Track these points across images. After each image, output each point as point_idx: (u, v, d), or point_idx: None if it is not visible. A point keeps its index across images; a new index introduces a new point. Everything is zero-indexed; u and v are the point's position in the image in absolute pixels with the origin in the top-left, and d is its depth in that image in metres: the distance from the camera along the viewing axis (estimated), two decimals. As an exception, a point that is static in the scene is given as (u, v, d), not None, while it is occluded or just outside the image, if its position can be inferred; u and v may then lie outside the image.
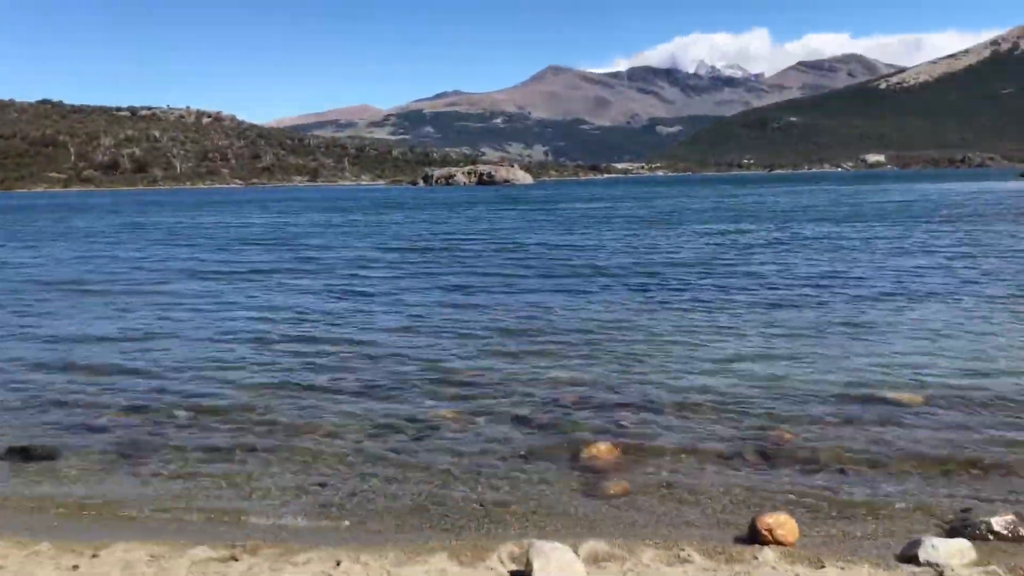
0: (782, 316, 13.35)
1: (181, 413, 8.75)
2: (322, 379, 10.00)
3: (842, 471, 6.76)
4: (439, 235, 34.08)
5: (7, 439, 7.93)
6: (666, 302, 15.03)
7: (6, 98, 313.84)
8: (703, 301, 15.02)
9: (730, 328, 12.45)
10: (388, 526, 6.00)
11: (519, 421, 8.24)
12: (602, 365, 10.28)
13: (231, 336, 12.87)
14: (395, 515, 6.18)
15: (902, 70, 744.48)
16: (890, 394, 8.78)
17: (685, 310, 14.15)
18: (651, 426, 7.96)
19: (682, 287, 16.97)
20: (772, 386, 9.19)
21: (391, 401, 9.03)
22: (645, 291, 16.52)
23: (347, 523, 6.08)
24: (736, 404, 8.55)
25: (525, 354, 11.00)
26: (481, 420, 8.28)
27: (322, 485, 6.78)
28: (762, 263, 21.06)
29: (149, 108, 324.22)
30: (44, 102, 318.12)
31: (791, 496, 6.28)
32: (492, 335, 12.31)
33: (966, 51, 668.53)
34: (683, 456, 7.17)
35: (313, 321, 14.04)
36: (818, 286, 16.73)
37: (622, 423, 8.07)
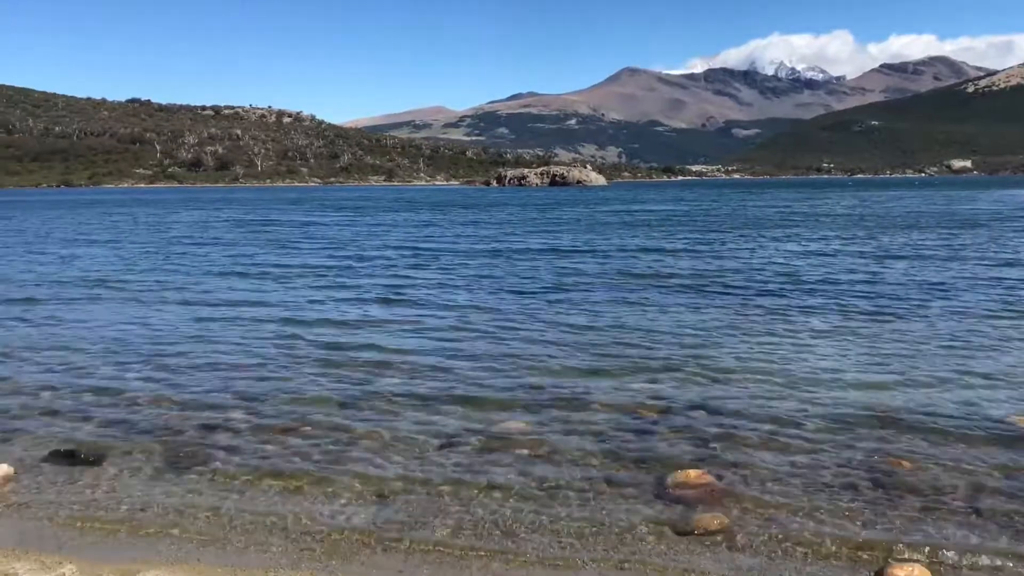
0: (882, 330, 12.27)
1: (237, 417, 8.26)
2: (386, 387, 9.40)
3: (976, 512, 5.84)
4: (504, 240, 33.37)
5: (58, 439, 7.55)
6: (753, 313, 14.04)
7: (98, 97, 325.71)
8: (793, 312, 13.97)
9: (826, 342, 11.43)
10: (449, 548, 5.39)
11: (597, 438, 7.48)
12: (687, 380, 9.42)
13: (291, 340, 12.42)
14: (457, 537, 5.54)
15: (991, 73, 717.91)
16: (1018, 420, 7.78)
17: (775, 321, 13.15)
18: (746, 450, 7.10)
19: (769, 296, 15.92)
20: (880, 407, 8.23)
21: (457, 413, 8.37)
22: (729, 301, 15.54)
23: (407, 542, 5.49)
24: (842, 427, 7.63)
25: (602, 366, 10.22)
26: (555, 437, 7.54)
27: (381, 497, 6.21)
28: (851, 272, 19.80)
29: (232, 107, 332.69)
30: (133, 101, 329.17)
31: (917, 538, 5.40)
32: (566, 345, 11.56)
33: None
34: (786, 485, 6.30)
35: (377, 325, 13.48)
36: (916, 298, 15.53)
37: (712, 445, 7.23)
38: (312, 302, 15.95)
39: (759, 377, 9.49)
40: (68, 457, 7.02)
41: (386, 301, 15.96)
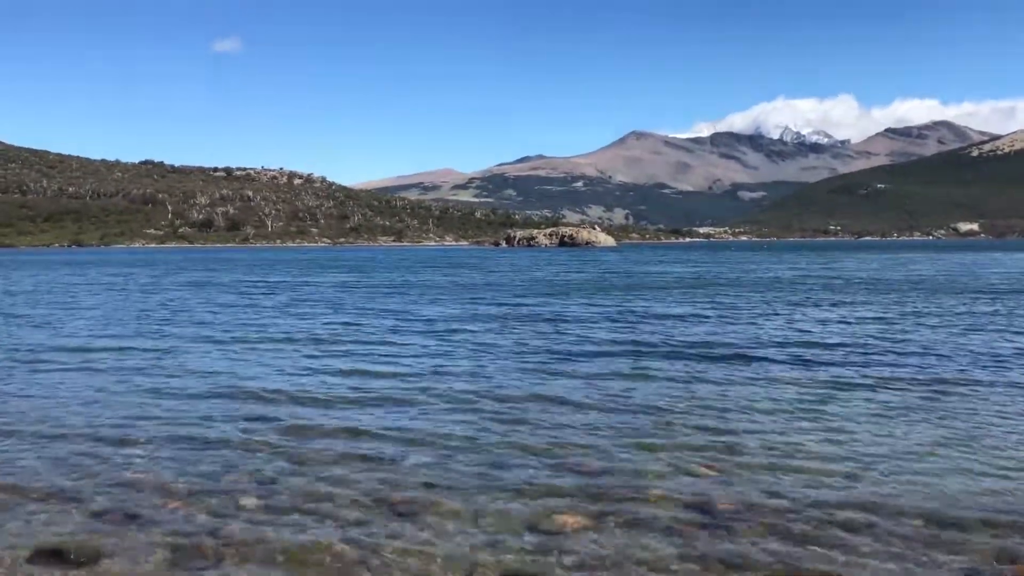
0: (953, 404, 11.22)
1: (249, 503, 7.27)
2: (420, 466, 8.41)
3: None
4: (529, 304, 32.47)
5: (48, 532, 6.55)
6: (807, 384, 13.01)
7: (111, 159, 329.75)
8: (854, 384, 12.93)
9: (900, 416, 10.41)
10: None
11: (665, 533, 6.47)
12: (751, 465, 8.38)
13: (316, 398, 11.47)
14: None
15: (995, 137, 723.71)
16: None
17: (835, 392, 12.12)
18: (846, 550, 6.06)
19: (822, 367, 14.88)
20: (982, 495, 7.21)
21: (502, 498, 7.35)
22: (776, 371, 14.52)
23: None
24: (949, 522, 6.60)
25: (653, 442, 9.20)
26: (617, 531, 6.53)
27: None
28: (909, 341, 18.73)
29: (244, 169, 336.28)
30: (146, 163, 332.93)
31: None
32: (611, 417, 10.56)
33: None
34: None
35: (376, 404, 12.49)
36: (983, 366, 14.49)
37: (807, 544, 6.20)
38: (312, 372, 14.98)
39: (832, 456, 8.46)
40: (55, 556, 6.02)
41: (388, 375, 14.99)
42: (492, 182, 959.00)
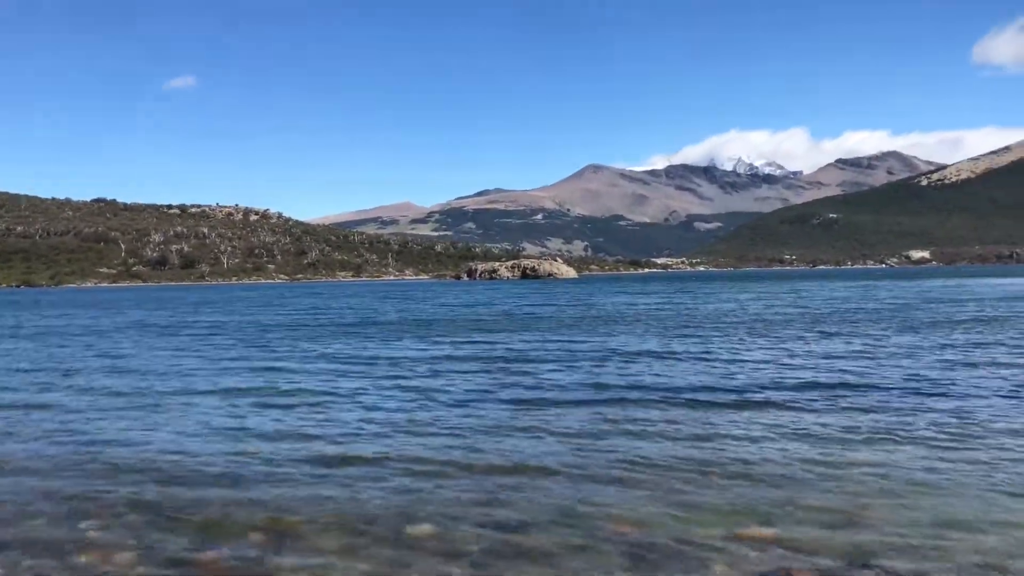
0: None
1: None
2: (444, 531, 7.40)
3: None
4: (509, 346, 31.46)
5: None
6: (831, 430, 12.23)
7: (62, 197, 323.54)
8: (892, 424, 12.18)
9: (952, 467, 9.64)
10: None
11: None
12: (814, 518, 7.53)
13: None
14: None
15: (942, 167, 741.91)
16: None
17: (872, 438, 11.35)
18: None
19: (832, 412, 14.13)
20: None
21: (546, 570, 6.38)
22: (796, 418, 13.73)
23: None
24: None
25: (692, 499, 8.29)
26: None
27: None
28: (925, 378, 18.10)
29: (199, 206, 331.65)
30: (98, 200, 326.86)
31: None
32: (646, 472, 9.64)
33: (1007, 147, 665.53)
34: None
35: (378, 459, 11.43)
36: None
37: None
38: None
39: (899, 508, 7.63)
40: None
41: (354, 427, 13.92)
42: (451, 216, 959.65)
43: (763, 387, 15.62)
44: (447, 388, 16.34)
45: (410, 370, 19.64)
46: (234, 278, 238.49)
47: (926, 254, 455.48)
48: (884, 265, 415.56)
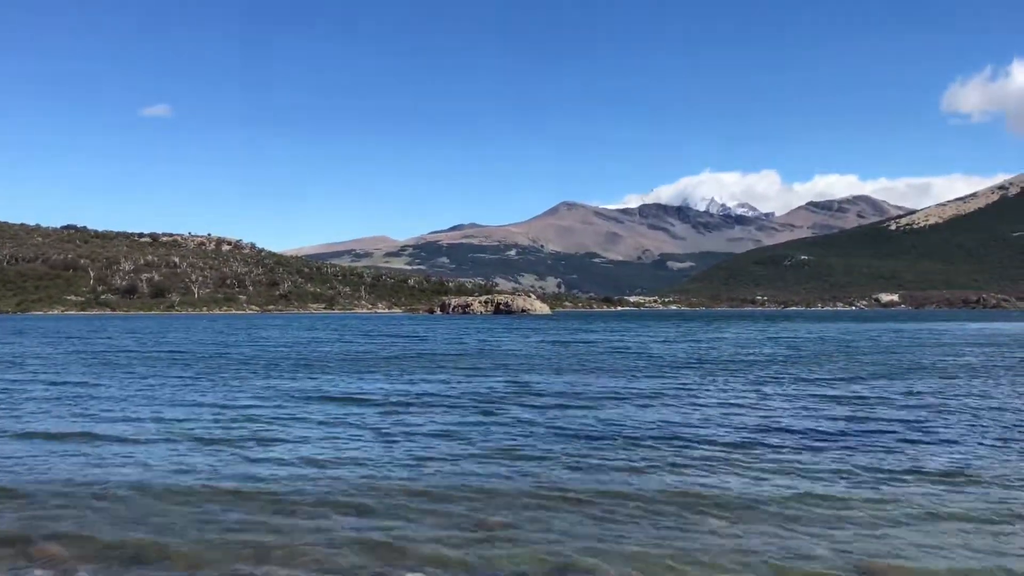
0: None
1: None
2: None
3: None
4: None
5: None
6: (825, 478, 12.07)
7: (32, 223, 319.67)
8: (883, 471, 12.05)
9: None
10: None
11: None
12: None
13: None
14: None
15: (911, 212, 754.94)
16: None
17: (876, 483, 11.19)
18: None
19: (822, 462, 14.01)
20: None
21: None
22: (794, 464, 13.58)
23: None
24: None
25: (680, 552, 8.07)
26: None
27: None
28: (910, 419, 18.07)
29: (171, 235, 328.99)
30: (68, 227, 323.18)
31: None
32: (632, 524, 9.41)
33: (974, 194, 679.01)
34: None
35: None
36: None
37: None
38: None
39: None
40: None
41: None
42: (425, 250, 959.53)
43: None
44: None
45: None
46: (204, 308, 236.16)
47: (895, 297, 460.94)
48: (854, 307, 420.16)
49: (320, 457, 12.02)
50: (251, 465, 11.49)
